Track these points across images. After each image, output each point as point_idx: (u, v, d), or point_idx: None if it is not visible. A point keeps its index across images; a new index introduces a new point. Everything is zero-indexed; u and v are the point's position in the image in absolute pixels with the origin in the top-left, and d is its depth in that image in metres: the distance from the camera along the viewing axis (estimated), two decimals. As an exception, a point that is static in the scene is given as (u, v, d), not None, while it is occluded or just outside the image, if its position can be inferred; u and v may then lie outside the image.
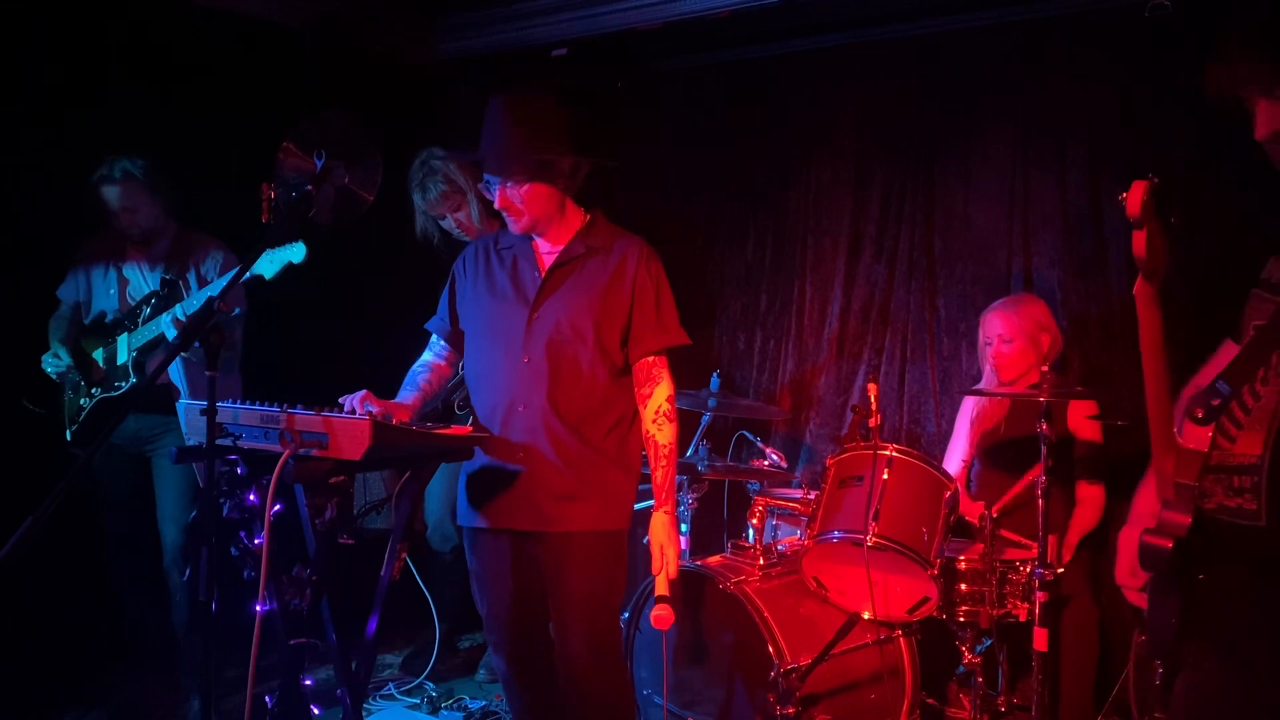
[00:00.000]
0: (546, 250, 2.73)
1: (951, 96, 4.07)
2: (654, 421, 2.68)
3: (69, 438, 3.56)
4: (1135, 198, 1.63)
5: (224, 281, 3.19)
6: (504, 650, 2.79)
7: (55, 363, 3.53)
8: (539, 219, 2.67)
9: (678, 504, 2.76)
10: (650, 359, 2.69)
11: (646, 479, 2.74)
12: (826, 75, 4.39)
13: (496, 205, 2.66)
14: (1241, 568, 1.73)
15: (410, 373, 2.86)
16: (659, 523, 2.66)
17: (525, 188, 2.61)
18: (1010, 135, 3.96)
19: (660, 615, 2.57)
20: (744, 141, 4.67)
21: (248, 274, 3.00)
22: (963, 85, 4.05)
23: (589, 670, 2.67)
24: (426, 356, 2.91)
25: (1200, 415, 1.72)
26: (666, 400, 2.69)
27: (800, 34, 4.33)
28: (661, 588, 2.61)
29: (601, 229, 2.75)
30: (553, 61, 4.47)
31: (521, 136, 2.60)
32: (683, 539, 3.65)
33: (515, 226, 2.68)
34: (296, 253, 2.95)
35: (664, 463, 2.67)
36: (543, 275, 2.69)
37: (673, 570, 2.64)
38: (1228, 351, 1.95)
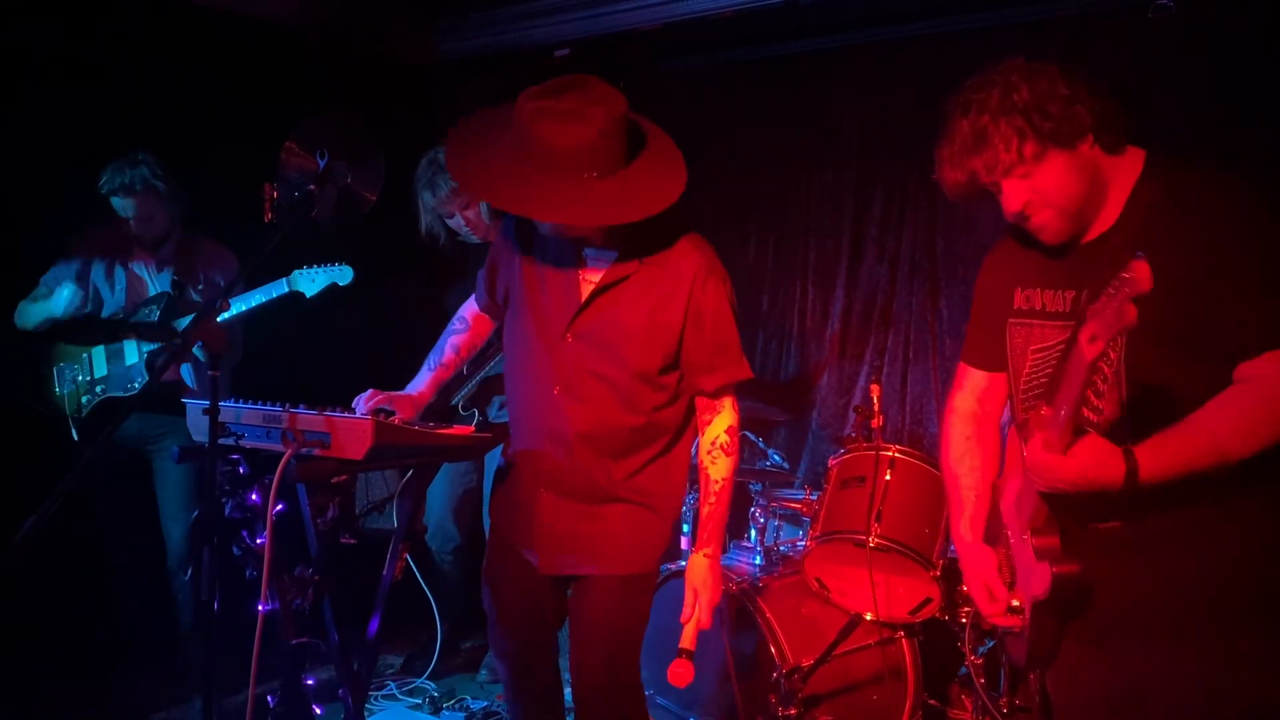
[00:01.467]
0: (592, 256, 2.38)
1: (953, 96, 4.07)
2: (709, 453, 2.41)
3: (75, 437, 3.55)
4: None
5: (263, 295, 3.16)
6: (509, 658, 2.62)
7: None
8: (569, 230, 2.31)
9: (724, 546, 2.51)
10: (710, 397, 2.42)
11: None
12: (828, 76, 4.39)
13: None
14: (1106, 561, 1.79)
15: (445, 332, 2.65)
16: (698, 566, 2.38)
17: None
18: (1012, 136, 3.95)
19: (679, 673, 2.30)
20: (746, 142, 4.67)
21: (286, 289, 3.01)
22: (964, 86, 4.04)
23: (606, 706, 2.49)
24: (466, 308, 2.67)
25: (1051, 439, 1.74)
26: (726, 432, 2.40)
27: (802, 35, 4.33)
28: (688, 640, 2.34)
29: (657, 233, 2.35)
30: (555, 62, 4.47)
31: (562, 162, 2.18)
32: (684, 540, 3.64)
33: (552, 230, 2.33)
34: (343, 276, 2.93)
35: (713, 500, 2.40)
36: (583, 295, 2.36)
37: (705, 620, 2.36)
38: (972, 377, 2.14)
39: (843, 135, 4.39)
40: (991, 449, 2.15)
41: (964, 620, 3.07)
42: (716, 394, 2.41)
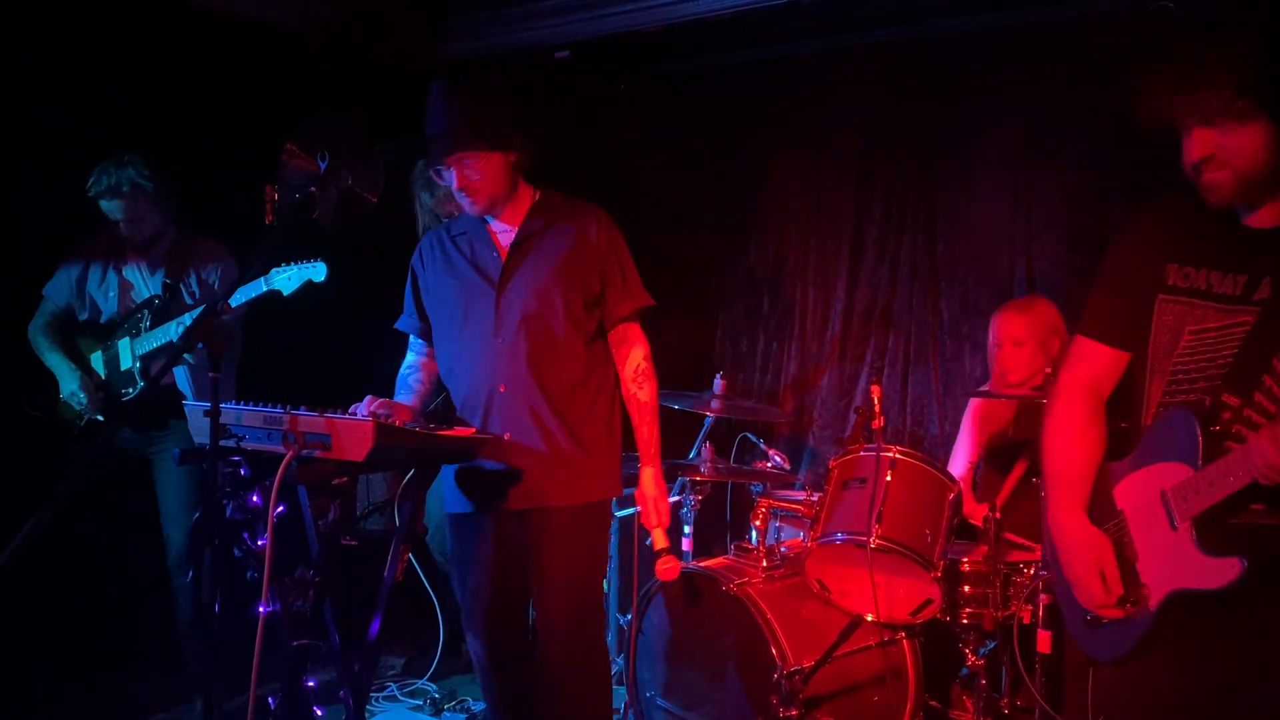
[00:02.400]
0: (502, 230, 2.74)
1: (954, 99, 4.07)
2: (634, 380, 2.73)
3: (75, 435, 3.55)
4: None
5: (245, 295, 3.17)
6: (482, 635, 2.78)
7: (76, 378, 3.48)
8: (496, 196, 2.67)
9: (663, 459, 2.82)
10: (624, 323, 2.74)
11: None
12: (830, 77, 4.39)
13: (455, 187, 2.64)
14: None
15: (400, 378, 2.87)
16: (648, 477, 2.72)
17: (482, 161, 2.59)
18: (1012, 138, 3.96)
19: (667, 567, 2.63)
20: (746, 144, 4.67)
21: (265, 289, 3.02)
22: (965, 87, 4.05)
23: (568, 647, 2.70)
24: (411, 358, 2.91)
25: (1218, 430, 1.74)
26: (644, 359, 2.75)
27: (803, 36, 4.33)
28: (661, 540, 2.67)
29: (556, 202, 2.76)
30: (556, 63, 4.47)
31: (471, 110, 2.60)
32: (685, 541, 3.64)
33: (474, 208, 2.68)
34: (317, 272, 2.97)
35: (648, 418, 2.73)
36: (504, 254, 2.70)
37: (665, 520, 2.71)
38: (1099, 354, 2.02)
39: (843, 137, 4.39)
40: (1104, 429, 2.05)
41: (965, 621, 3.07)
42: (630, 318, 2.74)
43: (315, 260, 2.98)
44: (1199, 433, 1.78)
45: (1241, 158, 1.77)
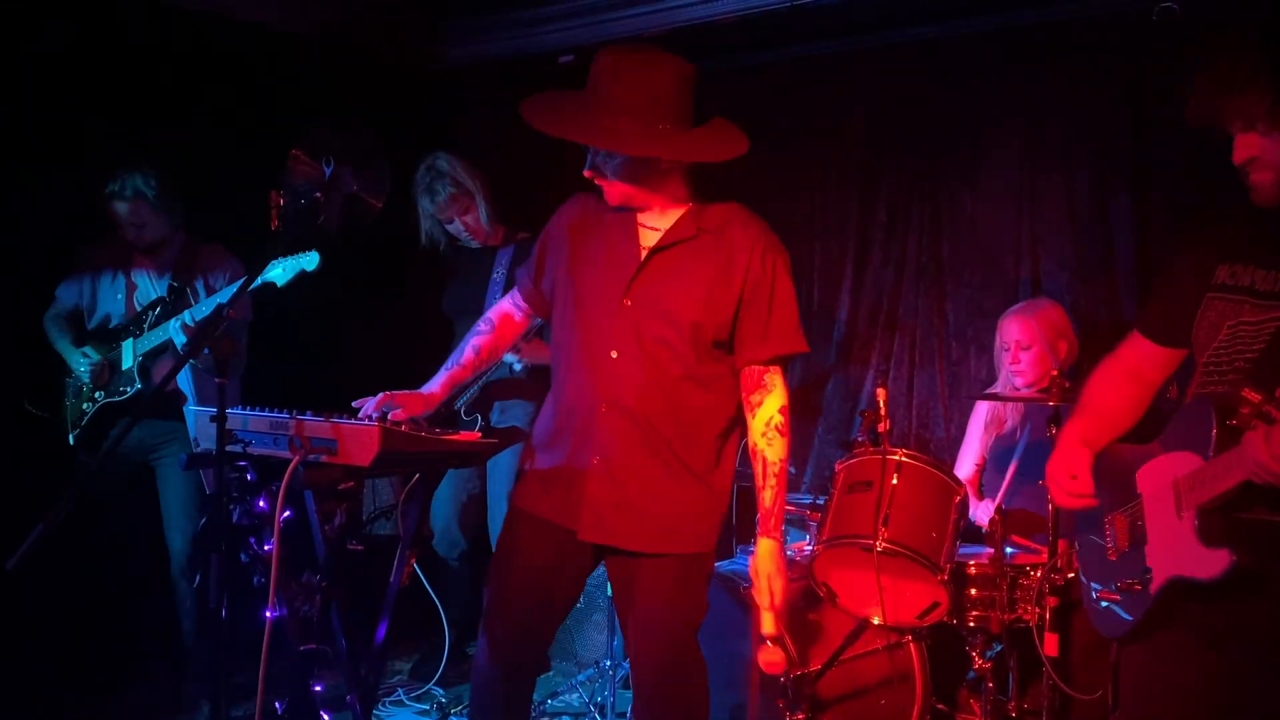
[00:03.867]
0: (649, 225, 2.38)
1: (958, 101, 4.07)
2: (764, 435, 2.34)
3: (71, 442, 3.57)
4: None
5: (235, 289, 3.20)
6: (498, 643, 2.45)
7: (85, 361, 3.51)
8: (630, 194, 2.33)
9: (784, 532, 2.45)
10: (761, 367, 2.36)
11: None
12: (833, 80, 4.39)
13: (585, 173, 2.34)
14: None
15: (467, 335, 2.60)
16: (766, 551, 2.31)
17: (626, 162, 2.27)
18: (1017, 140, 3.96)
19: (771, 661, 2.30)
20: (750, 146, 4.66)
21: (259, 280, 3.03)
22: (969, 89, 4.05)
23: (670, 692, 2.43)
24: (497, 308, 2.63)
25: (1235, 425, 1.75)
26: (779, 411, 2.35)
27: (806, 39, 4.33)
28: (769, 626, 2.31)
29: (717, 206, 2.40)
30: (560, 68, 4.48)
31: (630, 101, 2.22)
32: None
33: (611, 198, 2.35)
34: (310, 261, 2.95)
35: (773, 482, 2.34)
36: (640, 257, 2.34)
37: (779, 602, 2.32)
38: (1145, 346, 2.09)
39: (847, 139, 4.39)
40: (1138, 403, 2.12)
41: (972, 624, 3.07)
42: (769, 364, 2.35)
43: (309, 250, 2.96)
44: (1214, 424, 1.80)
45: None
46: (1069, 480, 2.05)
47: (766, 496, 2.35)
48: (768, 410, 2.35)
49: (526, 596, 2.44)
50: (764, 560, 2.32)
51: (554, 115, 2.31)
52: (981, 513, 3.45)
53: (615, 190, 2.33)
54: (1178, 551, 1.86)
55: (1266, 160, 1.81)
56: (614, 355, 2.33)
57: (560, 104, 2.34)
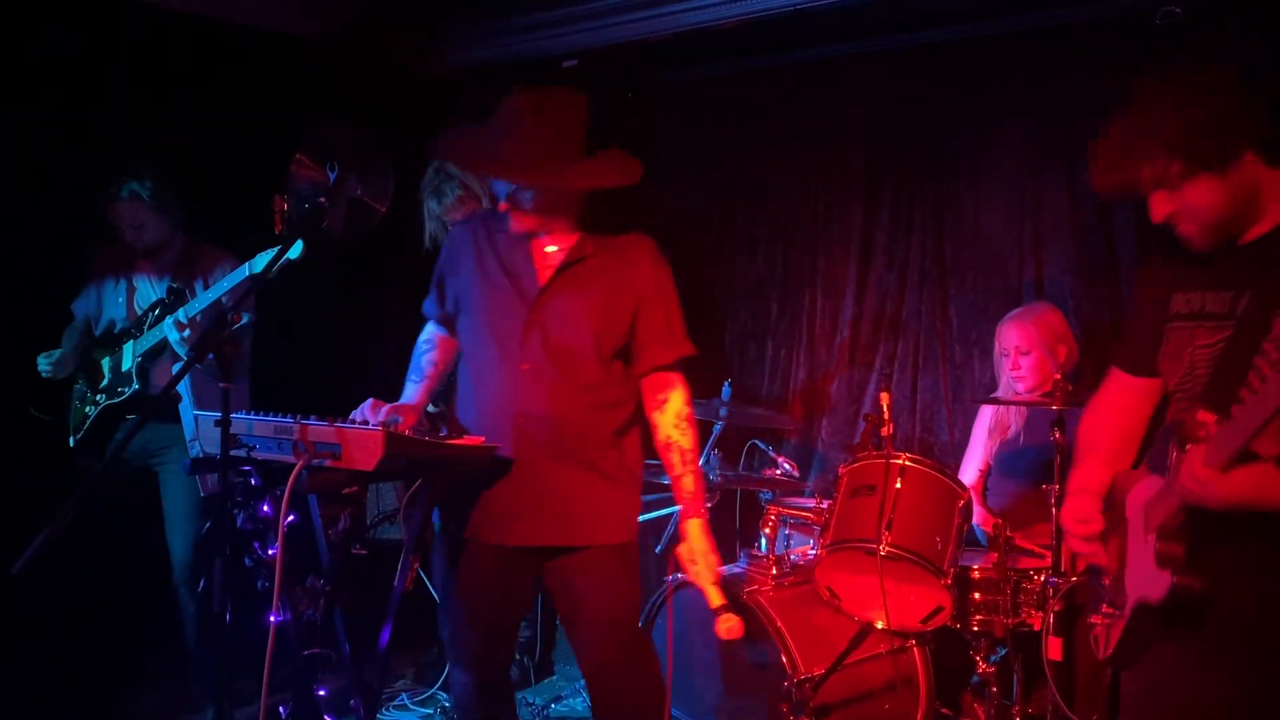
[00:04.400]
0: (547, 248, 2.56)
1: (961, 105, 4.08)
2: (676, 427, 2.56)
3: (72, 444, 3.57)
4: None
5: (225, 283, 3.22)
6: (472, 668, 2.62)
7: (45, 358, 3.53)
8: (544, 221, 2.51)
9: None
10: (665, 370, 2.59)
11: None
12: (836, 84, 4.39)
13: (501, 207, 2.49)
14: (1243, 581, 1.77)
15: (415, 354, 2.72)
16: (696, 529, 2.53)
17: (540, 193, 2.45)
18: (1020, 143, 3.96)
19: (730, 626, 2.44)
20: (754, 151, 4.67)
21: (247, 272, 3.04)
22: (972, 93, 4.05)
23: (624, 678, 2.58)
24: (428, 331, 2.76)
25: (1189, 447, 1.75)
26: (686, 404, 2.59)
27: (809, 44, 4.34)
28: (717, 597, 2.48)
29: (605, 227, 2.60)
30: (563, 72, 4.49)
31: (543, 137, 2.40)
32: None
33: (519, 223, 2.51)
34: (293, 250, 2.94)
35: (691, 468, 2.55)
36: (542, 278, 2.52)
37: (717, 575, 2.52)
38: (1123, 381, 2.11)
39: (851, 143, 4.39)
40: (1131, 436, 2.13)
41: (976, 628, 3.06)
42: (671, 368, 2.58)
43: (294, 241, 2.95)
44: (1173, 448, 1.82)
45: (1202, 212, 1.81)
46: (1078, 525, 2.03)
47: (688, 482, 2.55)
48: (675, 405, 2.58)
49: (478, 619, 2.60)
50: (697, 539, 2.52)
51: (470, 153, 2.57)
52: (980, 518, 3.45)
53: (528, 219, 2.49)
54: (1142, 574, 1.87)
55: (1184, 214, 1.83)
56: (525, 368, 2.50)
57: (474, 140, 2.54)
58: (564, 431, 2.50)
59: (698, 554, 2.50)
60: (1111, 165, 1.85)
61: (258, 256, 3.03)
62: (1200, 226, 1.83)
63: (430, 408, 3.75)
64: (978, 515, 3.48)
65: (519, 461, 2.49)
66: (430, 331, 2.76)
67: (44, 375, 3.56)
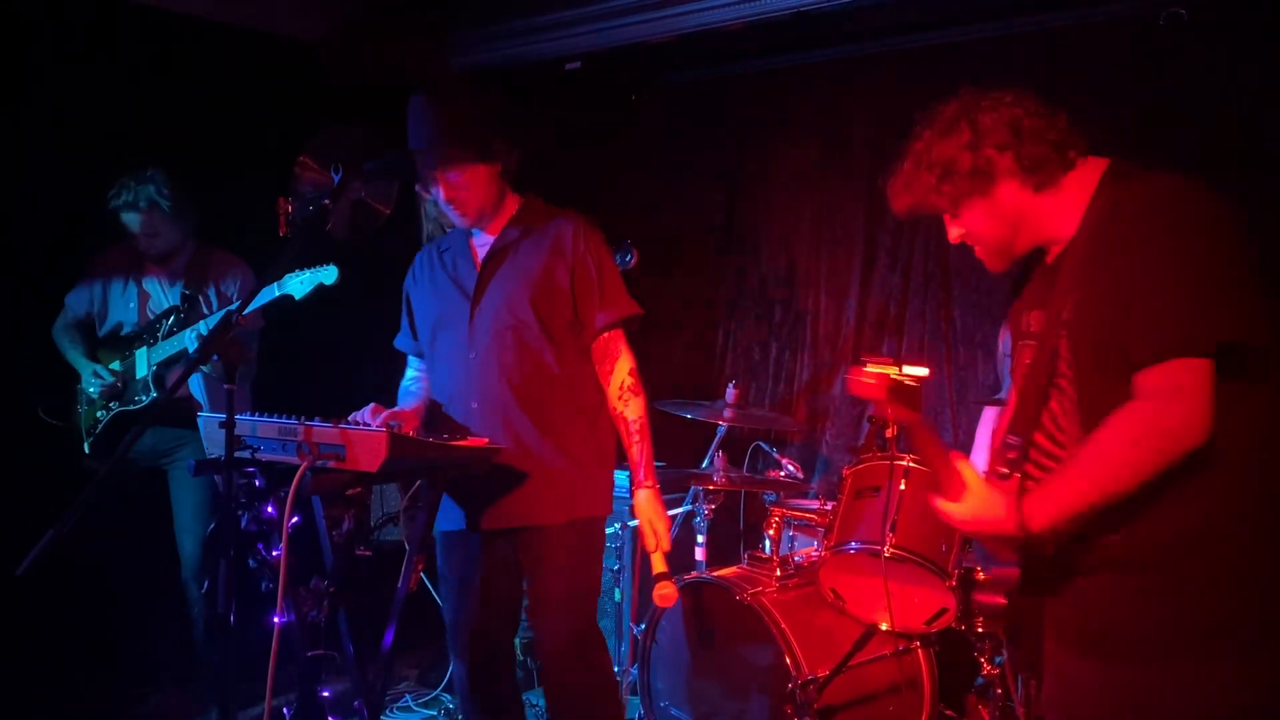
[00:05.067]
0: (483, 242, 2.69)
1: (965, 106, 4.07)
2: (619, 398, 2.63)
3: (87, 450, 3.58)
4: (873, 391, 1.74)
5: (259, 300, 3.19)
6: (466, 657, 2.71)
7: (98, 382, 3.53)
8: (484, 207, 2.62)
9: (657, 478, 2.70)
10: (605, 335, 2.63)
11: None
12: (838, 86, 4.40)
13: (441, 201, 2.59)
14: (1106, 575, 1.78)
15: (402, 389, 2.87)
16: (644, 499, 2.60)
17: (468, 174, 2.54)
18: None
19: (665, 594, 2.54)
20: (757, 153, 4.68)
21: (277, 292, 3.04)
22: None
23: (570, 664, 2.64)
24: (411, 372, 2.88)
25: (1005, 471, 1.79)
26: (629, 374, 2.63)
27: (811, 46, 4.34)
28: (660, 565, 2.56)
29: (535, 210, 2.69)
30: (566, 75, 4.49)
31: (454, 120, 2.55)
32: (699, 550, 3.64)
33: (464, 220, 2.63)
34: (329, 275, 2.97)
35: (637, 438, 2.61)
36: (479, 266, 2.64)
37: (665, 544, 2.59)
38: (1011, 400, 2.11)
39: (854, 144, 4.39)
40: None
41: (980, 630, 3.06)
42: (610, 329, 2.61)
43: (327, 264, 2.98)
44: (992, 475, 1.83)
45: (980, 235, 1.92)
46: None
47: (635, 451, 2.62)
48: (618, 375, 2.63)
49: (468, 610, 2.68)
50: (644, 507, 2.60)
51: (393, 158, 2.67)
52: None
53: (470, 209, 2.59)
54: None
55: (971, 238, 1.92)
56: (473, 356, 2.60)
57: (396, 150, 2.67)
58: (517, 412, 2.56)
59: (643, 519, 2.59)
60: (901, 191, 2.01)
61: (289, 278, 3.02)
62: (984, 249, 1.93)
63: None
64: None
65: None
66: (412, 372, 2.88)
67: (92, 395, 3.57)
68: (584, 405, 2.64)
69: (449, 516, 2.68)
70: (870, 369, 1.71)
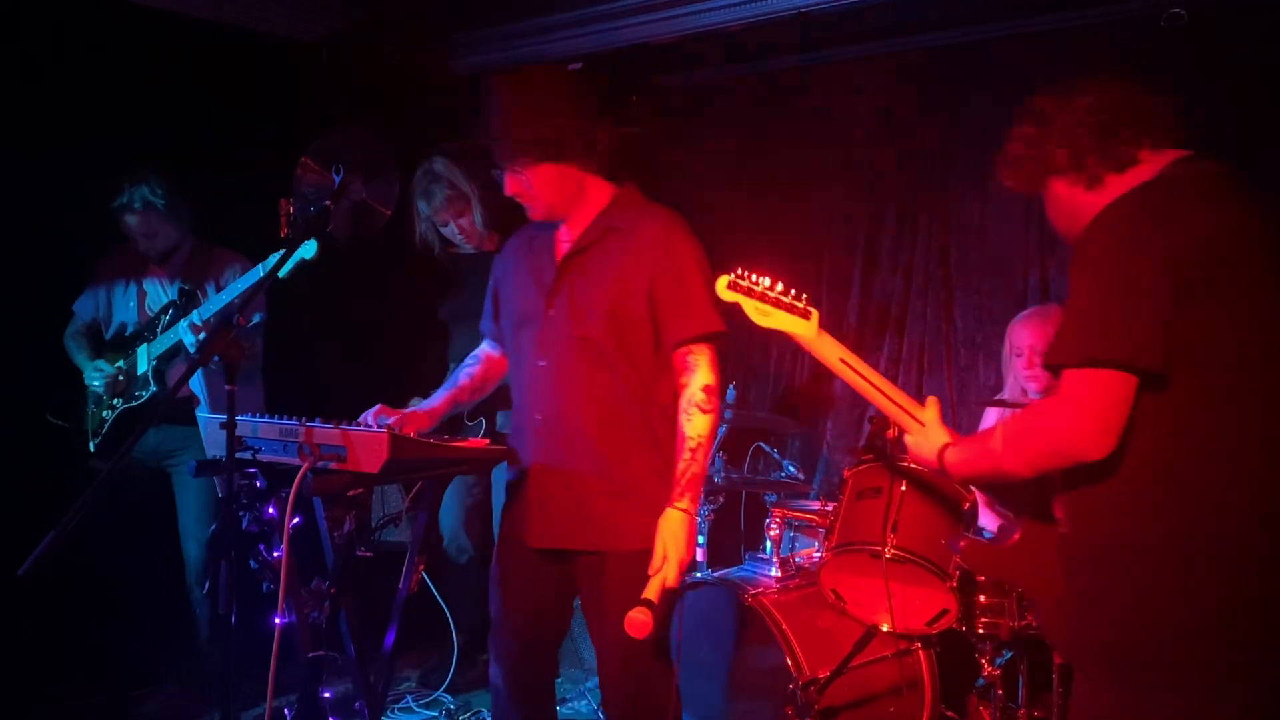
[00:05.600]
0: (565, 239, 2.47)
1: (966, 107, 4.07)
2: (684, 412, 2.37)
3: (93, 450, 3.59)
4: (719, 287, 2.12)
5: (239, 285, 3.21)
6: (507, 661, 2.53)
7: (100, 375, 3.54)
8: (554, 204, 2.41)
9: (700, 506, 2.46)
10: (685, 349, 2.39)
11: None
12: (840, 87, 4.39)
13: (506, 193, 2.41)
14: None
15: (455, 369, 2.71)
16: (671, 519, 2.31)
17: (532, 171, 2.35)
18: (1026, 146, 3.95)
19: (637, 620, 2.17)
20: (758, 154, 4.68)
21: (259, 271, 3.04)
22: (977, 96, 4.05)
23: (633, 687, 2.44)
24: (478, 350, 2.74)
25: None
26: (702, 390, 2.37)
27: (813, 46, 4.34)
28: (652, 591, 2.24)
29: (627, 206, 2.45)
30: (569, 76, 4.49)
31: (520, 114, 2.33)
32: (700, 551, 3.64)
33: (531, 214, 2.44)
34: (307, 249, 2.93)
35: (687, 455, 2.34)
36: (557, 266, 2.44)
37: (672, 577, 2.28)
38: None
39: (855, 146, 4.39)
40: None
41: (981, 631, 3.05)
42: (691, 343, 2.39)
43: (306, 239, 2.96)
44: None
45: (1053, 221, 2.03)
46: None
47: (680, 466, 2.36)
48: (691, 389, 2.39)
49: (518, 614, 2.52)
50: (665, 527, 2.32)
51: (462, 142, 2.53)
52: (990, 521, 3.44)
53: (538, 205, 2.42)
54: None
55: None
56: (543, 364, 2.43)
57: (469, 132, 2.52)
58: (580, 430, 2.39)
59: (659, 542, 2.30)
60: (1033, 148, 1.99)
61: (271, 257, 3.03)
62: (1057, 228, 1.99)
63: (468, 421, 3.77)
64: (984, 517, 3.47)
65: (540, 463, 2.43)
66: (480, 349, 2.74)
67: (97, 389, 3.58)
68: (656, 429, 2.42)
69: (509, 521, 2.54)
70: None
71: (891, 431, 3.18)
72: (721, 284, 2.13)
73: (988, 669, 3.07)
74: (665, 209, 2.47)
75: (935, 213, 4.18)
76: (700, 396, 2.38)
